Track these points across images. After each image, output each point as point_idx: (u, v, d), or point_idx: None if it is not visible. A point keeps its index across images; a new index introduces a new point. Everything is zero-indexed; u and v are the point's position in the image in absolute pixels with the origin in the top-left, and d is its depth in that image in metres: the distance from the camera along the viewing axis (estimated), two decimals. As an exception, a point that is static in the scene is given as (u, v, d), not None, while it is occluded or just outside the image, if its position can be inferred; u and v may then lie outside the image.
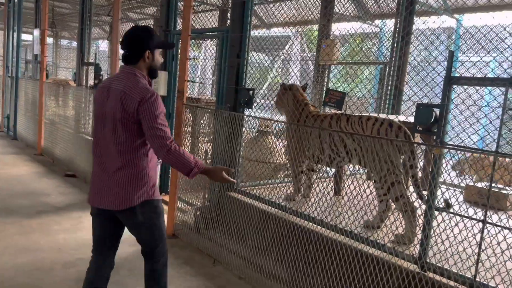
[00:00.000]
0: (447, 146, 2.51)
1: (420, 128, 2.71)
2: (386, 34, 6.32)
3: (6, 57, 9.75)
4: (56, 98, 7.66)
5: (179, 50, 4.43)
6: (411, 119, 2.86)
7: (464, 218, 2.47)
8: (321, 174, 5.14)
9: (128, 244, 3.87)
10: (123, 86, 2.19)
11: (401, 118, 4.08)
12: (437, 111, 2.61)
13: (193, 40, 5.50)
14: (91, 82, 7.05)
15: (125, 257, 3.61)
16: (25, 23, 10.62)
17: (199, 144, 6.33)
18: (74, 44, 12.89)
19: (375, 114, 3.62)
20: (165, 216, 4.31)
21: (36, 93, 8.03)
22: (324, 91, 3.40)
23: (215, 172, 2.33)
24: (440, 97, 2.61)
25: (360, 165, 3.44)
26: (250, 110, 4.06)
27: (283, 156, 5.35)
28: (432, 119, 2.62)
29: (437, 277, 2.57)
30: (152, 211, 2.31)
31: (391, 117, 3.88)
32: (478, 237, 2.38)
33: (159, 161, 2.64)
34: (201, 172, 2.25)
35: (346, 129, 3.45)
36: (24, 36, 14.41)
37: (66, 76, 13.17)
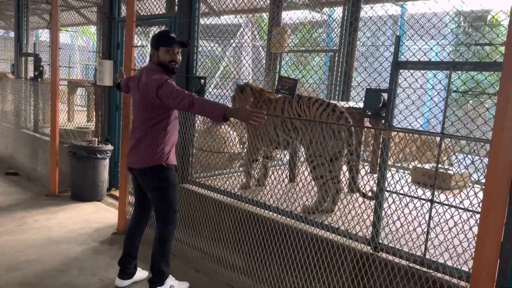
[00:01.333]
0: (395, 129, 2.57)
1: (369, 113, 2.76)
2: (334, 22, 6.40)
3: None
4: (-8, 92, 7.13)
5: (124, 38, 4.23)
6: (360, 104, 2.91)
7: (413, 199, 2.55)
8: (275, 162, 5.16)
9: (77, 242, 3.71)
10: (146, 78, 2.72)
11: (351, 104, 4.16)
12: (385, 95, 2.67)
13: (140, 28, 5.29)
14: (31, 73, 6.61)
15: (74, 256, 3.44)
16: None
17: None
18: (12, 34, 12.06)
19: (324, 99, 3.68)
20: (116, 212, 4.20)
21: (-32, 87, 7.44)
22: (277, 79, 3.38)
23: (242, 110, 2.50)
24: (388, 82, 2.67)
25: (300, 146, 3.64)
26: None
27: (238, 146, 5.31)
28: (381, 104, 2.67)
29: (390, 257, 2.65)
30: (162, 177, 2.79)
31: (341, 103, 3.94)
32: (427, 216, 2.47)
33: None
34: (229, 114, 2.50)
35: (297, 110, 3.58)
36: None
37: (4, 68, 12.33)
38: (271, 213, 3.19)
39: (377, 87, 2.79)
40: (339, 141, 3.33)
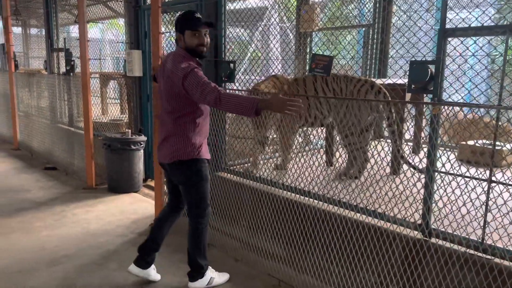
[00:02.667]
0: (447, 102, 2.33)
1: (415, 87, 2.53)
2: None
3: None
4: (29, 89, 7.27)
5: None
6: (403, 80, 2.69)
7: (465, 179, 2.32)
8: (311, 146, 4.97)
9: (115, 235, 3.70)
10: (172, 65, 2.54)
11: (393, 80, 3.90)
12: (432, 67, 2.43)
13: (166, 16, 5.18)
14: (63, 69, 6.67)
15: (113, 249, 3.42)
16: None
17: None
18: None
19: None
20: (152, 203, 4.16)
21: (6, 85, 7.62)
22: (310, 57, 3.18)
23: (275, 100, 2.31)
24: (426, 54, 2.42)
25: (333, 122, 3.69)
26: (232, 84, 3.82)
27: (272, 129, 5.15)
28: (428, 77, 2.43)
29: (442, 243, 2.44)
30: (194, 171, 2.66)
31: (378, 81, 3.71)
32: (482, 197, 2.25)
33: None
34: (262, 107, 2.32)
35: (332, 87, 3.58)
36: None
37: (39, 66, 12.65)
38: (311, 199, 3.03)
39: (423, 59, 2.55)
40: (371, 115, 3.44)
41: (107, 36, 14.04)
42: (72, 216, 4.14)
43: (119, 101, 8.59)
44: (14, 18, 9.34)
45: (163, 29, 3.92)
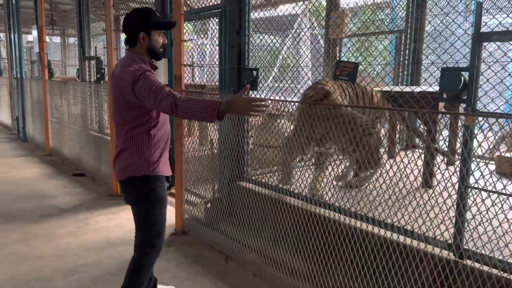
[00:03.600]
0: (483, 113, 2.13)
1: (446, 96, 2.34)
2: (398, 1, 5.84)
3: (10, 59, 9.61)
4: (61, 96, 7.46)
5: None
6: (435, 88, 2.50)
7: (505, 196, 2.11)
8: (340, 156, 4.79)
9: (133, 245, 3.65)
10: (120, 71, 2.26)
11: (423, 87, 3.69)
12: (466, 74, 2.24)
13: (196, 23, 5.17)
14: (94, 77, 6.81)
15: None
16: (29, 23, 10.45)
17: (208, 133, 6.04)
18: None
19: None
20: (173, 211, 4.11)
21: (40, 93, 7.86)
22: (334, 64, 3.05)
23: (237, 101, 2.08)
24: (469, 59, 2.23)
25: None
26: (256, 92, 3.73)
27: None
28: (461, 85, 2.24)
29: (475, 264, 2.23)
30: (144, 189, 2.31)
31: (412, 87, 3.50)
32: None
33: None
34: (224, 110, 2.07)
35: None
36: (29, 37, 14.33)
37: (74, 74, 13.06)
38: (336, 213, 2.87)
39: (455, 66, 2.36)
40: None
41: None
42: (95, 224, 4.14)
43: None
44: (50, 28, 9.67)
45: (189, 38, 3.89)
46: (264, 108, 2.08)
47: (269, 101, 2.09)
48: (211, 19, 4.42)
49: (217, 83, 6.66)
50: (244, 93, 2.12)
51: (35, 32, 7.95)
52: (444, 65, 2.38)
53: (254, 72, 3.63)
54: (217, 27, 4.16)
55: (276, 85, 4.10)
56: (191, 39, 4.16)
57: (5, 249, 3.51)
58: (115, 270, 3.18)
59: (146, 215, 2.34)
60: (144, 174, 2.28)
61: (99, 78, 6.42)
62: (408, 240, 2.45)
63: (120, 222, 4.20)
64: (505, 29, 2.21)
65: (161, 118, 2.36)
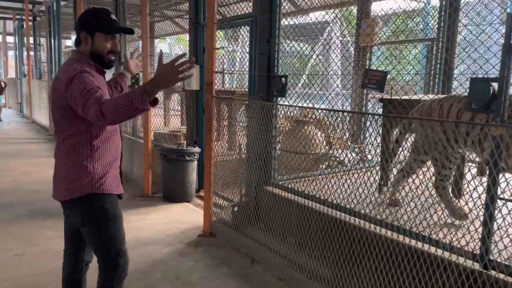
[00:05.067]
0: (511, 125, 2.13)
1: (475, 106, 2.34)
2: (431, 10, 5.80)
3: (49, 63, 10.08)
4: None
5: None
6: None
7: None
8: (362, 165, 4.79)
9: (164, 244, 3.78)
10: (60, 71, 2.02)
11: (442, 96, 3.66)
12: (495, 85, 2.24)
13: (227, 31, 5.30)
14: (129, 82, 7.06)
15: (159, 258, 3.50)
16: (68, 28, 10.93)
17: (237, 138, 6.16)
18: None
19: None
20: (201, 213, 4.22)
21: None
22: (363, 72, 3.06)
23: (159, 73, 1.77)
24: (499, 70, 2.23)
25: None
26: (284, 98, 3.80)
27: (324, 147, 5.06)
28: (490, 95, 2.24)
29: (501, 276, 2.21)
30: (93, 209, 2.02)
31: (440, 96, 3.48)
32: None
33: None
34: (151, 90, 1.75)
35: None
36: (68, 42, 14.93)
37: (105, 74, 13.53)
38: (362, 221, 2.89)
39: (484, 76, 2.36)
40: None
41: (174, 50, 14.72)
42: (126, 223, 4.23)
43: (180, 113, 8.96)
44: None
45: (221, 45, 4.01)
46: (188, 64, 1.78)
47: (187, 55, 1.82)
48: (242, 26, 4.54)
49: (246, 89, 6.79)
50: (162, 61, 1.80)
51: (74, 38, 8.32)
52: (474, 75, 2.39)
53: (283, 79, 3.70)
54: (248, 35, 4.28)
55: (305, 91, 4.16)
56: (223, 47, 4.28)
57: (41, 245, 3.71)
58: (145, 268, 3.31)
59: (100, 235, 2.07)
60: (88, 192, 1.99)
61: (133, 82, 6.66)
62: (433, 249, 2.45)
63: (151, 222, 4.35)
64: (537, 40, 2.20)
65: (108, 127, 2.04)
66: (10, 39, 18.17)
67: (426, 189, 2.63)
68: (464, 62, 2.58)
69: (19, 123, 12.87)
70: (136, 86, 6.43)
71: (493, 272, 2.23)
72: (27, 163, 6.74)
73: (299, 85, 4.82)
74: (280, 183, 3.77)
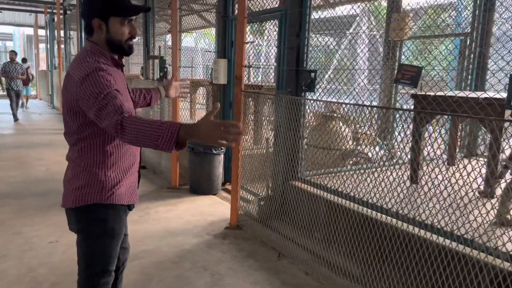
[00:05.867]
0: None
1: (515, 104, 2.27)
2: (465, 3, 5.63)
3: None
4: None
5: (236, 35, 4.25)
6: (502, 94, 2.41)
7: None
8: (395, 160, 4.72)
9: (192, 235, 3.84)
10: (71, 66, 1.77)
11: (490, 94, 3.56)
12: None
13: (253, 25, 5.30)
14: (157, 75, 7.17)
15: (188, 249, 3.55)
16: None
17: (263, 132, 6.17)
18: (143, 40, 13.41)
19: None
20: (228, 206, 4.26)
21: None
22: (397, 67, 3.00)
23: (202, 126, 1.49)
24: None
25: None
26: (313, 93, 3.78)
27: (351, 142, 5.01)
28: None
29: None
30: (93, 219, 1.82)
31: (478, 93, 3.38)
32: None
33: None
34: (184, 136, 1.50)
35: None
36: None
37: (137, 71, 13.75)
38: (390, 218, 2.86)
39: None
40: None
41: (200, 44, 14.84)
42: (155, 214, 4.39)
43: (205, 106, 9.03)
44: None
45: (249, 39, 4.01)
46: (235, 136, 1.47)
47: (241, 125, 1.51)
48: (269, 21, 4.52)
49: (272, 84, 6.78)
50: (212, 115, 1.51)
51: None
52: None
53: (312, 74, 3.68)
54: (275, 29, 4.25)
55: (329, 86, 4.11)
56: (253, 41, 4.28)
57: (67, 237, 3.81)
58: (174, 258, 3.37)
59: (89, 248, 1.87)
60: (94, 202, 1.79)
61: (161, 76, 6.75)
62: (468, 250, 2.40)
63: (179, 213, 4.42)
64: None
65: None
66: (41, 32, 18.65)
67: (461, 187, 2.57)
68: (504, 58, 2.50)
69: (50, 114, 13.25)
70: (164, 79, 6.55)
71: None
72: (59, 153, 6.93)
73: (324, 80, 4.77)
74: (307, 178, 3.76)
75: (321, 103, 4.06)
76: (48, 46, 16.13)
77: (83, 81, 1.64)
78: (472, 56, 5.19)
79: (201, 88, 9.46)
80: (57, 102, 14.12)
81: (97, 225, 1.83)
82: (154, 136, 1.50)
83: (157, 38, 8.42)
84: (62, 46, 13.29)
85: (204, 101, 9.98)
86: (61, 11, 13.10)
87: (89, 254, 1.87)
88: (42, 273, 3.09)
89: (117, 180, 1.84)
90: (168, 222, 4.14)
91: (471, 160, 4.50)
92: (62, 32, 13.21)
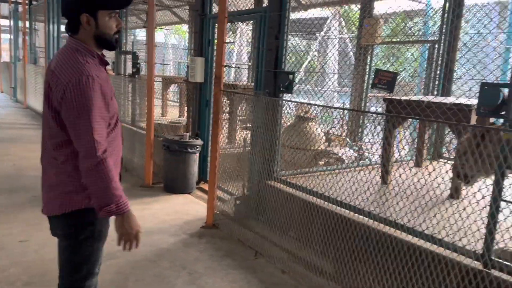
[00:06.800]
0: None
1: (484, 110, 2.42)
2: (432, 10, 5.87)
3: (47, 49, 9.97)
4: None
5: (215, 35, 4.27)
6: (461, 100, 2.56)
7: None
8: (365, 161, 4.88)
9: (168, 234, 3.83)
10: (55, 64, 1.69)
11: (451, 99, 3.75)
12: (505, 91, 2.31)
13: (228, 25, 5.32)
14: (129, 71, 7.06)
15: (165, 248, 3.55)
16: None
17: (237, 131, 6.21)
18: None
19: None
20: (205, 206, 4.27)
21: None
22: (374, 72, 3.11)
23: (134, 224, 1.78)
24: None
25: None
26: (290, 95, 3.86)
27: (323, 143, 5.13)
28: (500, 100, 2.32)
29: (505, 276, 2.31)
30: (81, 225, 1.79)
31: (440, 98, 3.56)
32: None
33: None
34: (117, 213, 1.68)
35: None
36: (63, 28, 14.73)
37: (107, 67, 13.44)
38: (364, 218, 2.97)
39: (484, 80, 2.44)
40: None
41: (170, 40, 14.63)
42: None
43: (178, 104, 8.97)
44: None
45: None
46: (129, 244, 1.80)
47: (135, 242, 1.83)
48: (244, 21, 4.57)
49: (245, 83, 6.81)
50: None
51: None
52: (483, 80, 2.46)
53: (290, 75, 3.75)
54: (248, 29, 4.30)
55: (306, 88, 4.21)
56: (233, 42, 4.31)
57: (46, 231, 3.70)
58: (151, 256, 3.36)
59: (76, 253, 1.83)
60: (84, 207, 1.75)
61: (134, 72, 6.65)
62: (440, 249, 2.53)
63: (154, 212, 4.39)
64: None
65: (116, 131, 1.83)
66: (4, 22, 17.86)
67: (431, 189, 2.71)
68: (475, 67, 2.65)
69: (13, 107, 12.73)
70: (136, 77, 6.46)
71: (498, 273, 2.31)
72: (26, 149, 6.71)
73: (297, 81, 4.87)
74: (282, 178, 3.83)
75: (295, 103, 4.14)
76: (12, 37, 15.49)
77: (71, 86, 1.60)
78: (440, 62, 5.42)
79: (173, 85, 9.39)
80: (21, 95, 13.59)
81: (85, 229, 1.81)
82: (105, 191, 1.63)
83: (127, 33, 8.25)
84: (27, 37, 12.81)
85: (176, 97, 9.92)
86: (27, 1, 12.61)
87: (77, 258, 1.85)
88: (14, 272, 3.01)
89: None
90: (144, 221, 4.10)
91: (438, 162, 4.72)
92: (27, 23, 12.72)
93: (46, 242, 3.50)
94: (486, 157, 2.64)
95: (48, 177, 1.82)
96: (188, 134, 5.29)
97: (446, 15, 5.28)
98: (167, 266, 3.22)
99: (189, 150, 5.01)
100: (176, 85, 9.29)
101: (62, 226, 1.82)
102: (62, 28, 10.17)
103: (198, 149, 5.13)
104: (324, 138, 5.24)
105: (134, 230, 1.77)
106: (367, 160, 4.97)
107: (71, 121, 1.62)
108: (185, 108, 6.28)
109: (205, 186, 5.05)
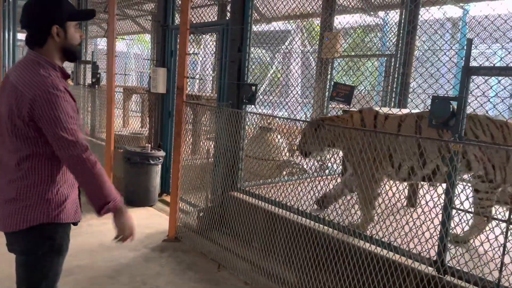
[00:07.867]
0: (468, 141, 2.34)
1: (435, 122, 2.54)
2: (389, 26, 6.13)
3: (2, 57, 9.57)
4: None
5: (178, 46, 4.27)
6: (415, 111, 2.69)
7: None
8: (327, 172, 4.97)
9: (128, 249, 3.73)
10: (17, 79, 1.66)
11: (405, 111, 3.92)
12: (454, 104, 2.45)
13: (192, 36, 5.32)
14: (89, 80, 6.89)
15: (125, 263, 3.46)
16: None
17: (200, 143, 6.17)
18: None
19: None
20: (166, 218, 4.20)
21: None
22: (332, 85, 3.21)
23: (130, 221, 1.89)
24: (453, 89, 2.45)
25: None
26: (253, 106, 3.90)
27: (287, 154, 5.19)
28: (450, 113, 2.45)
29: (456, 281, 2.42)
30: (41, 240, 1.75)
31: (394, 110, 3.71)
32: (501, 238, 2.22)
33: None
34: (115, 211, 1.82)
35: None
36: (20, 36, 14.24)
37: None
38: (324, 227, 3.03)
39: (435, 93, 2.58)
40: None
41: (133, 50, 14.42)
42: (88, 227, 4.19)
43: (140, 114, 8.81)
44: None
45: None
46: (125, 238, 1.92)
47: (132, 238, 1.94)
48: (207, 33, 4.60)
49: (208, 94, 6.81)
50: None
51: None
52: (433, 93, 2.59)
53: (253, 87, 3.79)
54: (211, 40, 4.32)
55: (269, 99, 4.27)
56: (196, 53, 4.31)
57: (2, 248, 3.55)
58: (110, 272, 3.26)
59: (35, 268, 1.78)
60: (44, 221, 1.72)
61: (94, 82, 6.51)
62: (396, 256, 2.62)
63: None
64: (492, 64, 2.44)
65: None
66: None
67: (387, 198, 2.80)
68: (427, 81, 2.79)
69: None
70: (96, 87, 6.31)
71: (451, 278, 2.42)
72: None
73: (260, 92, 4.94)
74: (246, 188, 3.84)
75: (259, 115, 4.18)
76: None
77: (40, 99, 1.61)
78: (396, 75, 5.65)
79: (135, 95, 9.23)
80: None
81: (45, 243, 1.77)
82: (101, 189, 1.74)
83: (88, 42, 8.08)
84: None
85: (138, 108, 9.74)
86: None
87: (36, 274, 1.80)
88: (-39, 294, 2.84)
89: (64, 197, 1.80)
90: (103, 236, 3.99)
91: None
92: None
93: (1, 258, 3.34)
94: (320, 140, 3.26)
95: (4, 193, 1.76)
96: (150, 145, 5.21)
97: (401, 31, 5.53)
98: (126, 282, 3.13)
99: (151, 161, 4.93)
100: (139, 95, 9.14)
101: (20, 242, 1.76)
102: (19, 36, 9.82)
103: (160, 160, 5.06)
104: (286, 148, 5.31)
105: (129, 227, 1.90)
106: (327, 170, 5.07)
107: (51, 135, 1.65)
108: (147, 119, 6.19)
109: (168, 198, 4.97)
